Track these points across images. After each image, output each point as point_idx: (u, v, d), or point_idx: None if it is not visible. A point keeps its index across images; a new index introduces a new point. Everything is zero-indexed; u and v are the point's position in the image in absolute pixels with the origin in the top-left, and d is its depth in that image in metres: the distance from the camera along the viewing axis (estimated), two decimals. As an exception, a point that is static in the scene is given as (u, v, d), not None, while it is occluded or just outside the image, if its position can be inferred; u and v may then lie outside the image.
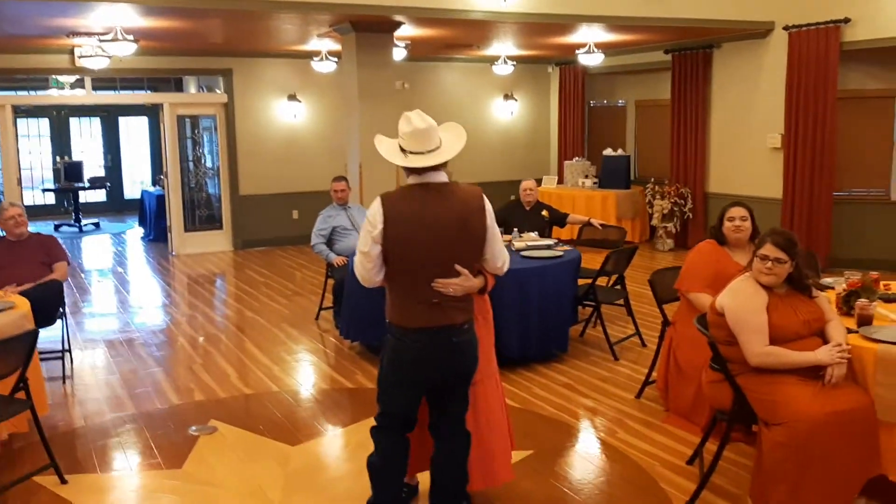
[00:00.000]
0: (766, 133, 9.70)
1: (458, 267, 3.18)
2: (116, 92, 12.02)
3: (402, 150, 3.23)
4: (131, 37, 7.84)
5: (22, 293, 5.20)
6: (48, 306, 5.55)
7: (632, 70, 12.10)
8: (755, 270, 3.78)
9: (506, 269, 3.44)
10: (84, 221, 14.57)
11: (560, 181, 12.67)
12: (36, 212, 15.68)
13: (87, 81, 11.27)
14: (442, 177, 3.25)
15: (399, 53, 9.50)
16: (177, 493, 4.06)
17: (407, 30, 8.94)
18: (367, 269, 3.24)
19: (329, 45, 10.25)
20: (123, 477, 4.26)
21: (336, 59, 10.50)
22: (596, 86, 13.05)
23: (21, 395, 4.06)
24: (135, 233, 14.01)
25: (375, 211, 3.18)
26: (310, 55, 11.13)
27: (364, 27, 8.20)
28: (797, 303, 3.77)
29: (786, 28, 9.13)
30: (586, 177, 12.11)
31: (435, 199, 3.19)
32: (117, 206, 16.78)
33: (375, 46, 8.36)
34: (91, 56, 9.44)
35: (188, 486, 4.13)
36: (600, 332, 6.30)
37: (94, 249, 12.57)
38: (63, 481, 4.12)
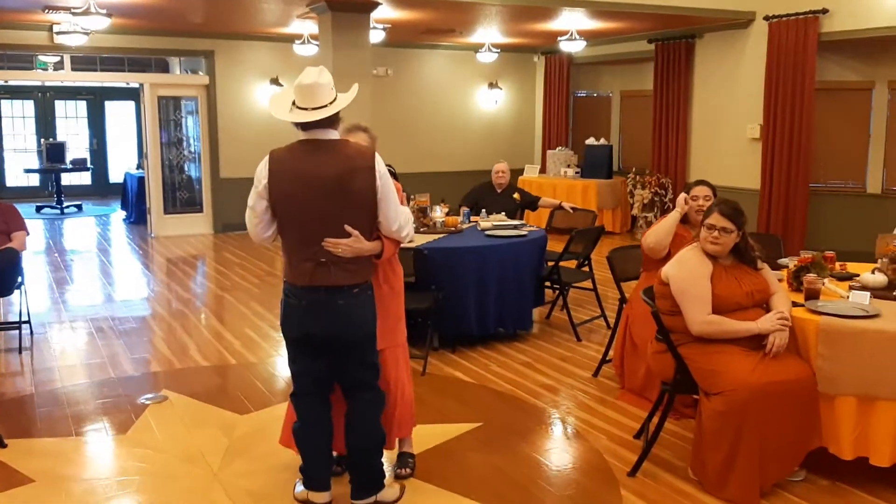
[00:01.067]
0: (746, 124, 9.67)
1: (347, 227, 3.12)
2: (97, 72, 11.92)
3: (294, 104, 3.17)
4: (104, 11, 7.78)
5: (-23, 260, 5.16)
6: (4, 274, 5.51)
7: (617, 60, 12.06)
8: (702, 240, 3.76)
9: (405, 234, 3.33)
10: (66, 203, 14.51)
11: (543, 170, 12.64)
12: (19, 193, 15.66)
13: (67, 60, 11.19)
14: (331, 134, 3.19)
15: (377, 36, 9.43)
16: (115, 457, 4.05)
17: (385, 11, 8.89)
18: (254, 225, 3.25)
19: (311, 27, 10.19)
20: (65, 442, 4.22)
21: (318, 43, 10.44)
22: (581, 76, 13.02)
23: (-38, 356, 4.03)
24: (117, 216, 13.96)
25: (262, 166, 3.18)
26: (292, 38, 11.09)
27: (340, 7, 8.13)
28: (742, 274, 3.75)
29: (766, 18, 9.10)
30: (568, 166, 12.08)
31: (317, 156, 3.14)
32: (102, 189, 16.68)
33: (351, 28, 8.28)
34: (68, 33, 9.38)
35: (128, 451, 4.11)
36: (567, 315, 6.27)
37: (74, 231, 12.50)
38: (2, 445, 4.08)
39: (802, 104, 8.78)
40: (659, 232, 4.61)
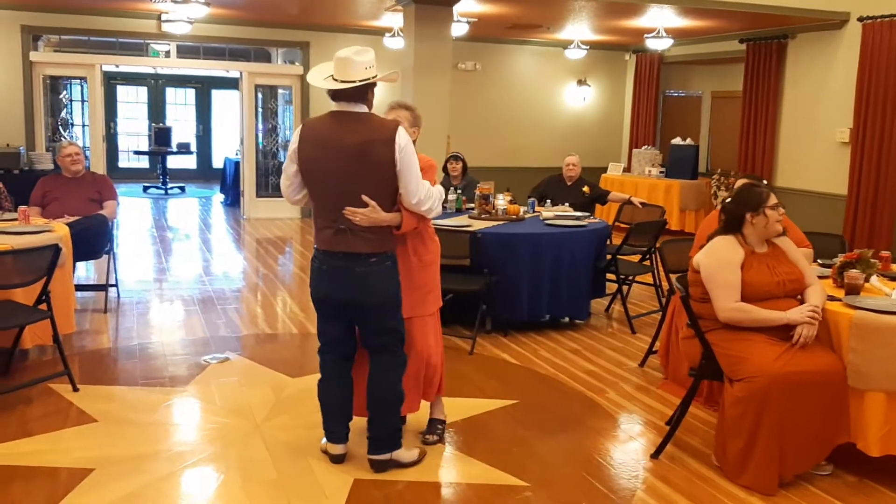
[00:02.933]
0: (836, 127, 9.39)
1: (364, 197, 3.29)
2: (200, 59, 12.58)
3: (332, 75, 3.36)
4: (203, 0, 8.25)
5: (69, 224, 5.60)
6: (94, 239, 5.96)
7: (708, 60, 11.88)
8: (771, 223, 3.73)
9: (426, 209, 3.42)
10: (170, 185, 15.33)
11: (628, 169, 12.57)
12: (130, 174, 16.66)
13: (174, 49, 11.87)
14: (359, 108, 3.36)
15: (460, 29, 9.61)
16: (170, 405, 4.38)
17: (471, 5, 9.07)
18: (286, 187, 3.51)
19: (401, 20, 10.46)
20: (129, 390, 4.59)
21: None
22: (672, 75, 12.87)
23: (43, 306, 4.42)
24: (217, 198, 14.67)
25: (296, 132, 3.42)
26: (382, 32, 11.40)
27: (424, -1, 8.35)
28: (775, 263, 3.75)
29: (860, 19, 8.81)
30: (653, 165, 11.96)
31: (341, 125, 3.33)
32: (206, 173, 17.56)
33: (434, 20, 8.45)
34: (174, 21, 9.96)
35: (183, 401, 4.45)
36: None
37: (175, 210, 13.24)
38: (75, 389, 4.48)
39: (894, 109, 8.47)
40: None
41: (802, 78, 9.97)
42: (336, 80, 3.32)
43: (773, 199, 3.77)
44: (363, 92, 3.34)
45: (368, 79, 3.33)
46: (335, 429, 3.63)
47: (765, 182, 4.93)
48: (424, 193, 3.41)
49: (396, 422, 3.61)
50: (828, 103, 9.56)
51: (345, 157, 3.29)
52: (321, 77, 3.39)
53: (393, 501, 3.37)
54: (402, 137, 3.33)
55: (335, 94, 3.35)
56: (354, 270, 3.36)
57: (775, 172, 10.42)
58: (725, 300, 3.64)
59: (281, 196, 3.68)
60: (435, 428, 3.98)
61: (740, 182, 4.58)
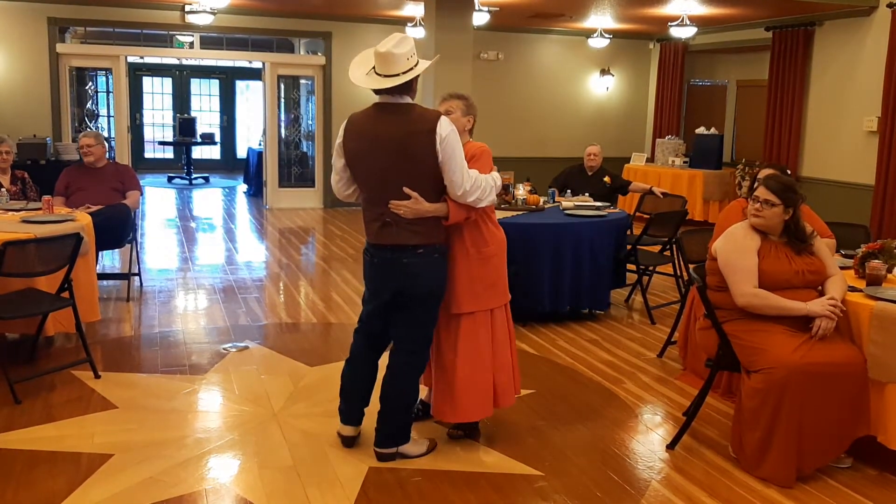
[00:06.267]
0: (863, 116, 9.25)
1: (406, 189, 3.28)
2: (223, 50, 12.65)
3: (374, 68, 3.34)
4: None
5: (92, 213, 5.67)
6: (116, 228, 6.03)
7: (733, 48, 11.74)
8: (748, 212, 3.76)
9: (473, 199, 3.34)
10: (195, 175, 15.44)
11: (651, 159, 12.47)
12: (156, 164, 16.82)
13: (197, 40, 11.95)
14: (403, 99, 3.33)
15: (482, 18, 9.57)
16: (189, 392, 4.42)
17: (492, -6, 9.04)
18: (335, 182, 3.53)
19: (423, 10, 10.44)
20: (149, 378, 4.65)
21: (428, 25, 10.67)
22: (697, 64, 12.73)
23: (65, 295, 4.48)
24: (241, 188, 14.76)
25: (342, 126, 3.43)
26: (405, 21, 11.39)
27: (445, -12, 8.32)
28: (794, 253, 3.71)
29: (889, 5, 8.66)
30: (676, 155, 11.85)
31: (384, 118, 3.31)
32: (230, 164, 17.67)
33: (454, 10, 8.44)
34: (197, 12, 10.02)
35: (201, 388, 4.49)
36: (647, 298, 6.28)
37: (198, 200, 13.34)
38: (96, 376, 4.54)
39: (923, 96, 8.33)
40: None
41: (830, 66, 9.83)
42: (378, 74, 3.29)
43: (756, 191, 3.74)
44: (406, 83, 3.30)
45: (412, 68, 3.29)
46: (349, 409, 3.66)
47: (789, 172, 4.87)
48: (471, 184, 3.32)
49: (406, 418, 3.62)
50: (855, 92, 9.42)
51: (386, 151, 3.27)
52: (362, 72, 3.35)
53: (407, 489, 3.39)
54: (444, 128, 3.27)
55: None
56: (402, 261, 3.37)
57: (801, 162, 10.29)
58: (743, 284, 3.60)
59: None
60: (465, 423, 3.89)
61: (764, 172, 4.54)
